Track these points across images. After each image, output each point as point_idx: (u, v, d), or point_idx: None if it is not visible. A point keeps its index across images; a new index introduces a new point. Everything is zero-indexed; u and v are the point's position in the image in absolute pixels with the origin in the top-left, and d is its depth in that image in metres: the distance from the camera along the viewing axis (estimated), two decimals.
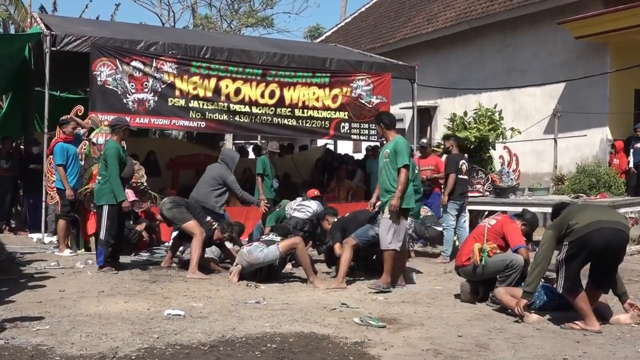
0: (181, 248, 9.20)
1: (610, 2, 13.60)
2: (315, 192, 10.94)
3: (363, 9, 25.06)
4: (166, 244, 10.40)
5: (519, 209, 12.47)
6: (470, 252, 6.94)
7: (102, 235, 8.43)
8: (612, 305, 6.22)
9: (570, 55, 14.55)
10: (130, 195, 10.21)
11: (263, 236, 8.95)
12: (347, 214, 8.89)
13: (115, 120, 9.07)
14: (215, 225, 8.80)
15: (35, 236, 11.16)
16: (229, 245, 9.11)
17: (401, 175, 7.46)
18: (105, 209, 8.46)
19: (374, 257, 8.59)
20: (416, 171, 8.55)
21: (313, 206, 9.59)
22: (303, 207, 9.61)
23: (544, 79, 14.96)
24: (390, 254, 7.53)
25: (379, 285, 7.46)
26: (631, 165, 13.67)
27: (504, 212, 12.46)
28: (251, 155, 17.44)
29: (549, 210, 11.83)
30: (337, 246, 8.39)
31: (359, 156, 16.71)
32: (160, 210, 8.86)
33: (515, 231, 6.95)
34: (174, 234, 9.86)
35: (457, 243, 10.08)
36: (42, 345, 4.88)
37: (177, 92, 11.51)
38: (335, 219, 8.81)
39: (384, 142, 8.17)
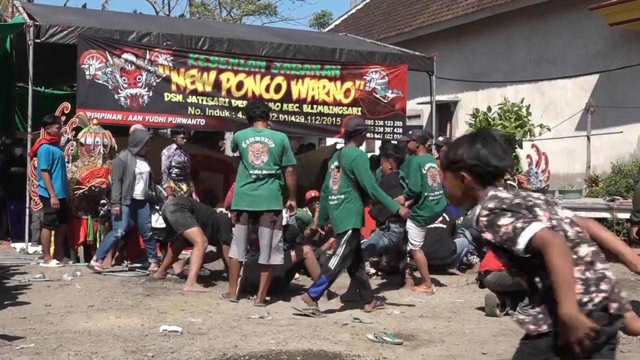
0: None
1: None
2: (313, 193, 10.89)
3: None
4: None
5: None
6: None
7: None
8: None
9: (605, 44, 14.49)
10: None
11: None
12: None
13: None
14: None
15: (18, 246, 11.18)
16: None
17: None
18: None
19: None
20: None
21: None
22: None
23: (577, 70, 14.90)
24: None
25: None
26: None
27: None
28: None
29: (581, 214, 11.85)
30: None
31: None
32: (163, 212, 8.82)
33: None
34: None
35: None
36: None
37: (174, 87, 11.53)
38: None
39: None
